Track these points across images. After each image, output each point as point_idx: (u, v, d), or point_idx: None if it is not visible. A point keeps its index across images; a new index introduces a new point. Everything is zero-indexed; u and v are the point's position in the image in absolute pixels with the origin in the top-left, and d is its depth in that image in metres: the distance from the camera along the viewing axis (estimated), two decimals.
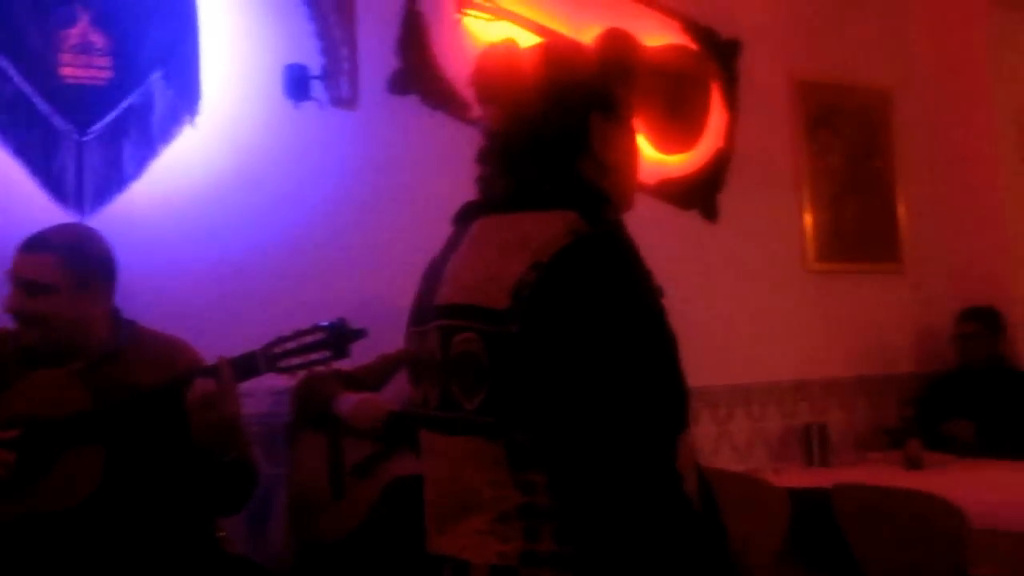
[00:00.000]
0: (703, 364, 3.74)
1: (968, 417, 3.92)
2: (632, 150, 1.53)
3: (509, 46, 1.52)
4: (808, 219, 4.26)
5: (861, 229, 4.40)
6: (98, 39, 2.86)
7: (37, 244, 2.30)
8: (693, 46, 3.98)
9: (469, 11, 3.42)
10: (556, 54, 1.52)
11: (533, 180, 1.43)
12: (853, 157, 4.42)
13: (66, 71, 2.83)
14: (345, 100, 3.16)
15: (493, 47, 1.54)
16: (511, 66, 1.47)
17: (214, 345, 2.30)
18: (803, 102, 4.32)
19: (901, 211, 4.52)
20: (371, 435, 2.55)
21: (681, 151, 3.90)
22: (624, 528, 1.26)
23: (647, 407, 1.28)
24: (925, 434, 3.71)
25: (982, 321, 4.21)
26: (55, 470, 2.13)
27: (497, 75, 1.47)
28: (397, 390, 2.61)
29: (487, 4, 3.43)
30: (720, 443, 3.88)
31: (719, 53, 4.06)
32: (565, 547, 1.29)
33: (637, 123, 1.56)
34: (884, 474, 3.51)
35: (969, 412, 3.95)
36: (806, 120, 4.32)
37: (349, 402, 2.57)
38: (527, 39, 3.49)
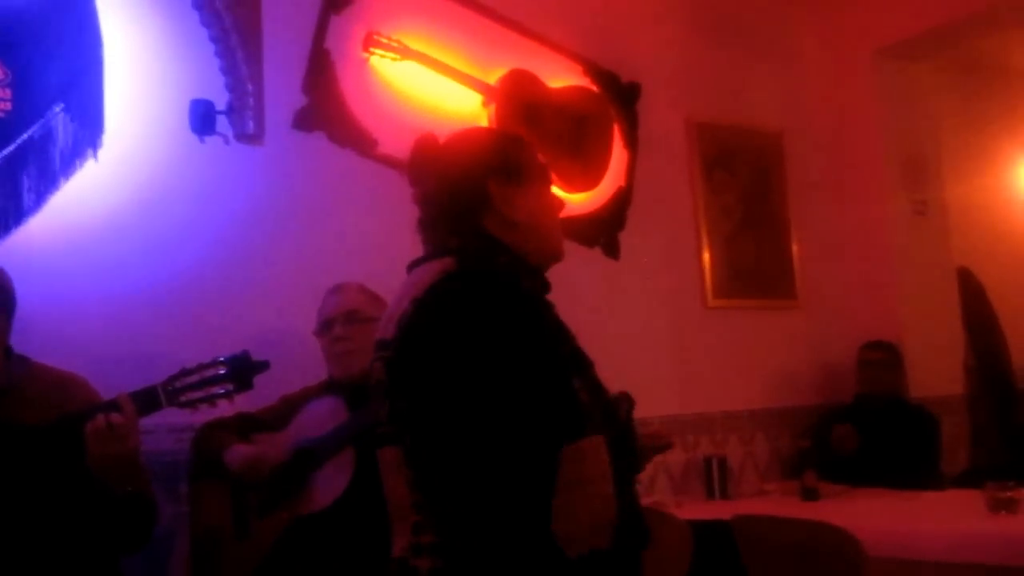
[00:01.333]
0: None
1: (864, 448, 4.05)
2: (541, 206, 1.80)
3: (428, 137, 1.80)
4: (706, 256, 4.38)
5: (757, 266, 4.54)
6: None
7: None
8: (595, 88, 4.08)
9: (376, 50, 3.44)
10: (458, 137, 1.82)
11: (443, 239, 1.72)
12: (748, 197, 4.57)
13: None
14: (251, 136, 3.15)
15: (418, 139, 1.81)
16: (426, 153, 1.78)
17: (114, 381, 2.26)
18: (700, 143, 4.45)
19: (795, 249, 4.68)
20: (262, 486, 2.53)
21: (584, 189, 3.97)
22: (474, 528, 1.51)
23: (493, 422, 1.51)
24: (821, 465, 3.82)
25: (887, 351, 4.37)
26: None
27: (417, 161, 1.78)
28: (297, 429, 2.61)
29: (393, 44, 3.46)
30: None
31: (620, 95, 4.17)
32: (441, 538, 1.55)
33: (550, 181, 1.84)
34: (782, 505, 3.60)
35: (867, 442, 4.08)
36: (703, 160, 4.45)
37: (237, 456, 2.52)
38: (433, 78, 3.57)
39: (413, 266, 1.74)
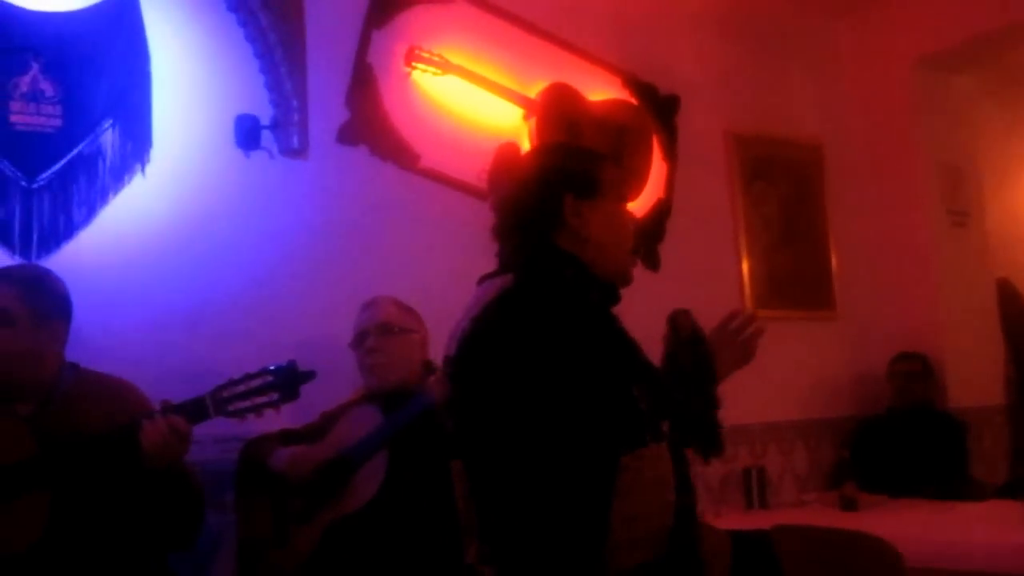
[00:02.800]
0: None
1: (899, 457, 4.03)
2: (613, 225, 1.83)
3: (511, 145, 1.87)
4: (745, 267, 4.38)
5: (796, 277, 4.54)
6: (49, 87, 2.88)
7: None
8: (634, 101, 4.10)
9: (417, 65, 3.48)
10: (539, 148, 1.97)
11: (511, 254, 1.77)
12: (787, 207, 4.57)
13: (16, 118, 2.82)
14: (295, 150, 3.20)
15: (500, 146, 1.88)
16: (506, 160, 1.83)
17: (163, 392, 2.31)
18: (739, 154, 4.46)
19: (834, 260, 4.67)
20: (304, 486, 2.58)
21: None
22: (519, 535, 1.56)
23: (546, 433, 1.54)
24: (859, 475, 3.81)
25: (917, 362, 4.35)
26: (5, 515, 2.11)
27: (496, 168, 1.83)
28: (336, 438, 2.65)
29: (435, 58, 3.50)
30: None
31: (659, 107, 4.18)
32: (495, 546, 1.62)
33: (626, 200, 1.92)
34: (822, 515, 3.59)
35: (900, 453, 4.06)
36: (742, 172, 4.45)
37: (282, 457, 2.60)
38: (474, 92, 3.60)
39: (481, 281, 1.79)
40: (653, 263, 4.07)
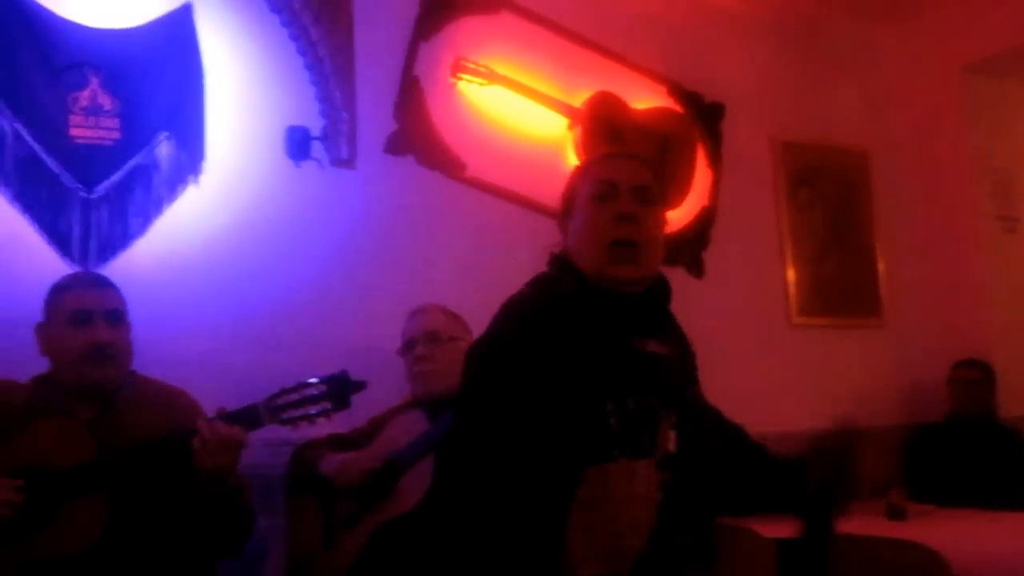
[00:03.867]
0: None
1: (956, 466, 3.98)
2: (585, 225, 1.87)
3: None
4: (791, 275, 4.36)
5: (842, 284, 4.51)
6: (107, 101, 2.96)
7: (99, 280, 2.48)
8: (679, 109, 4.11)
9: (463, 75, 3.53)
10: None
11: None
12: (833, 215, 4.54)
13: (76, 131, 2.92)
14: (344, 160, 3.26)
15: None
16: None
17: (215, 398, 2.37)
18: (784, 162, 4.44)
19: (881, 267, 4.64)
20: (352, 491, 2.62)
21: (668, 209, 4.00)
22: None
23: (513, 437, 1.66)
24: (913, 484, 3.77)
25: (981, 370, 4.30)
26: (60, 518, 2.17)
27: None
28: (383, 445, 2.70)
29: (481, 69, 3.55)
30: None
31: (704, 115, 4.19)
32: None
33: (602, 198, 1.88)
34: (868, 523, 3.56)
35: (958, 462, 4.01)
36: (787, 179, 4.44)
37: (332, 462, 2.65)
38: (519, 102, 3.64)
39: None
40: (697, 270, 4.08)
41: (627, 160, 1.98)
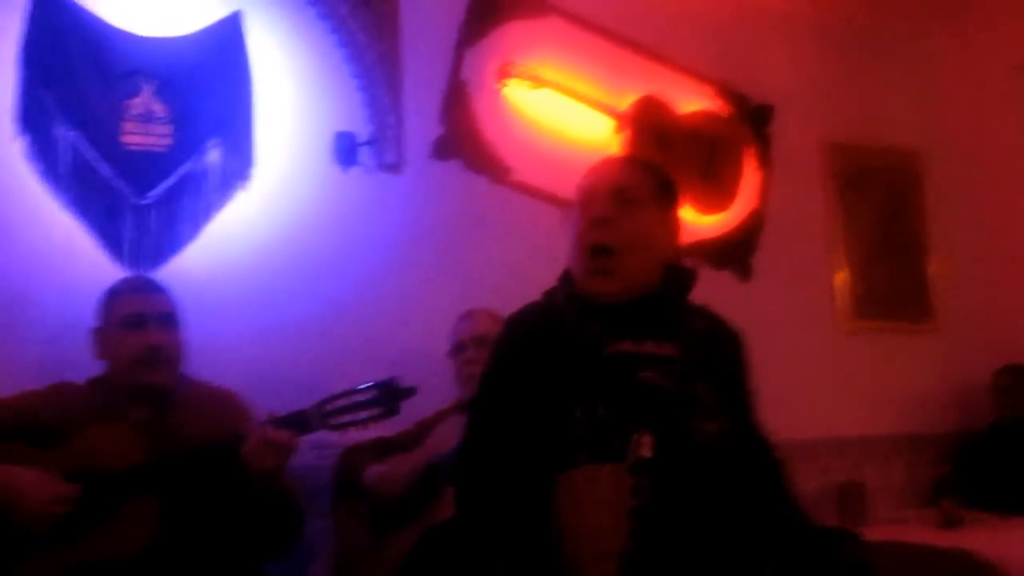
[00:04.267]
0: None
1: (1005, 473, 3.91)
2: (569, 240, 1.87)
3: None
4: (841, 278, 4.31)
5: (894, 288, 4.45)
6: (159, 108, 3.01)
7: (152, 284, 2.54)
8: (726, 111, 4.08)
9: (510, 80, 3.54)
10: None
11: None
12: (884, 217, 4.48)
13: (129, 139, 2.97)
14: (391, 165, 3.28)
15: None
16: None
17: (264, 401, 2.40)
18: (834, 164, 4.40)
19: (933, 270, 4.56)
20: (396, 501, 2.64)
21: (716, 212, 3.98)
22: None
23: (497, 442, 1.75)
24: (964, 491, 3.71)
25: (1018, 374, 4.22)
26: (114, 520, 2.21)
27: None
28: (430, 448, 2.71)
29: (527, 73, 3.55)
30: None
31: (752, 117, 4.16)
32: None
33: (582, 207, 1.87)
34: (921, 532, 3.51)
35: (1006, 469, 3.95)
36: (837, 181, 4.39)
37: (373, 474, 2.67)
38: (565, 106, 3.64)
39: None
40: (745, 273, 4.05)
41: (609, 164, 1.96)
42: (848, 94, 4.48)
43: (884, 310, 4.41)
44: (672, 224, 1.91)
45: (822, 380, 4.15)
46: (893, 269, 4.46)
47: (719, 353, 1.86)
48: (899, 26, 4.66)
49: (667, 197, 1.90)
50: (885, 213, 4.49)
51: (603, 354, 1.75)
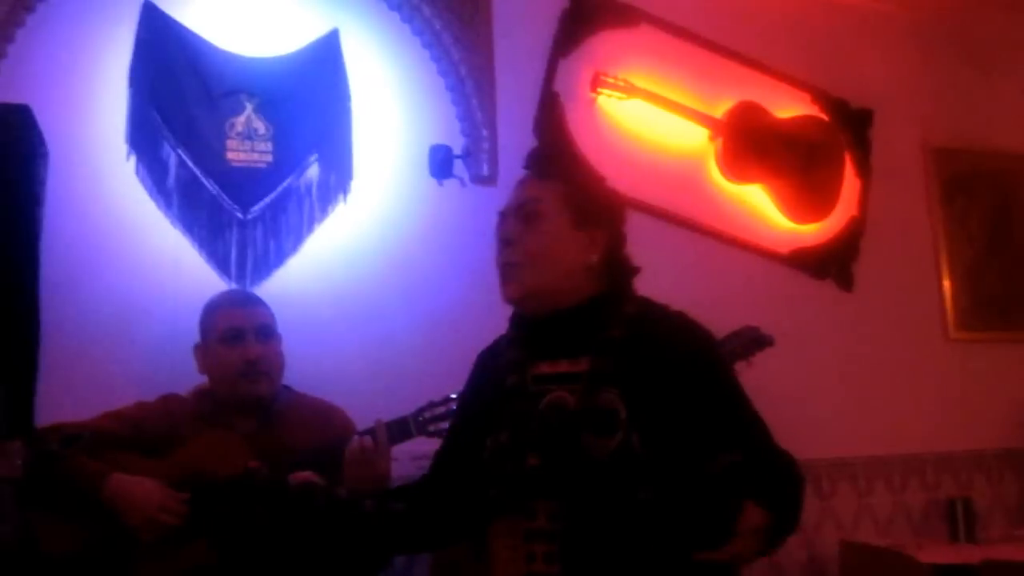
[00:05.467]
0: (841, 435, 3.72)
1: None
2: None
3: None
4: (947, 286, 4.18)
5: (1003, 296, 4.30)
6: (261, 126, 3.09)
7: (248, 297, 2.66)
8: (824, 116, 4.01)
9: (603, 90, 3.54)
10: None
11: None
12: (991, 223, 4.34)
13: (232, 155, 3.05)
14: (485, 177, 3.31)
15: None
16: None
17: (366, 413, 2.43)
18: (938, 168, 4.28)
19: None
20: None
21: (814, 220, 3.91)
22: None
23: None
24: None
25: None
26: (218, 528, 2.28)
27: None
28: None
29: (620, 83, 3.54)
30: (861, 516, 3.81)
31: (851, 122, 4.08)
32: None
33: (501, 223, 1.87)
34: None
35: None
36: (942, 186, 4.27)
37: None
38: (659, 115, 3.62)
39: None
40: (846, 283, 3.96)
41: (519, 184, 1.91)
42: (951, 96, 4.35)
43: (992, 319, 4.27)
44: (589, 234, 1.82)
45: (928, 392, 4.03)
46: (1001, 277, 4.31)
47: (646, 358, 1.72)
48: (1005, 24, 4.50)
49: (577, 208, 1.83)
50: (992, 218, 4.35)
51: (524, 378, 1.76)
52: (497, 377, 1.81)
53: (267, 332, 2.53)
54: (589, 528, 1.63)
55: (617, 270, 1.85)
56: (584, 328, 1.76)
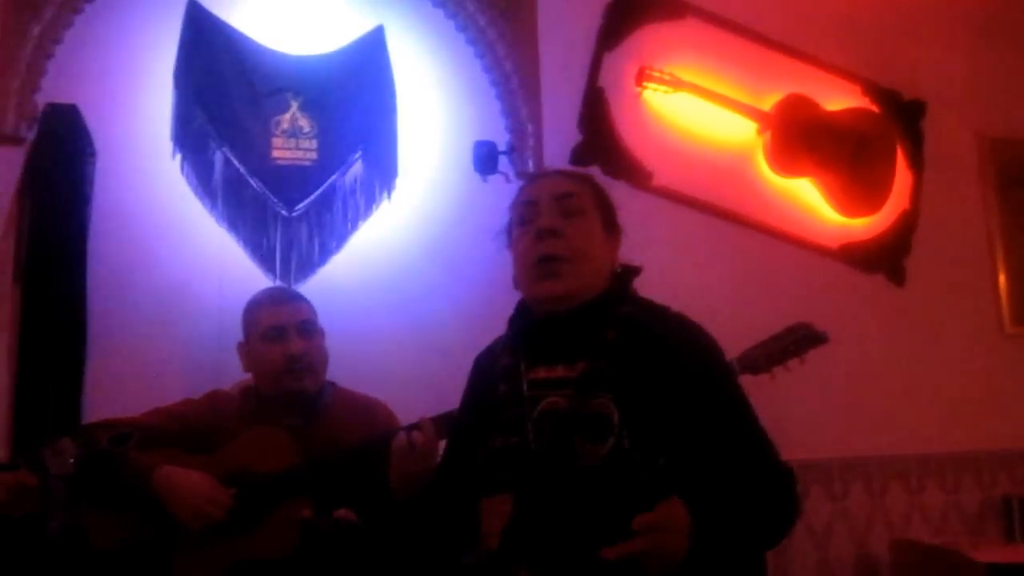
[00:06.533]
0: (892, 432, 3.66)
1: None
2: (515, 253, 1.89)
3: None
4: (1002, 280, 4.08)
5: None
6: (306, 124, 3.10)
7: (289, 294, 2.67)
8: (875, 108, 3.93)
9: (648, 84, 3.49)
10: None
11: None
12: None
13: (277, 153, 3.07)
14: (530, 173, 3.28)
15: None
16: None
17: (411, 409, 2.42)
18: (994, 160, 4.17)
19: None
20: None
21: (865, 214, 3.84)
22: None
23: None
24: None
25: None
26: (269, 521, 2.29)
27: None
28: None
29: (665, 76, 3.50)
30: (912, 514, 3.73)
31: (903, 114, 3.99)
32: None
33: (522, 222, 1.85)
34: None
35: None
36: (997, 178, 4.17)
37: None
38: (705, 109, 3.57)
39: None
40: (898, 278, 3.89)
41: (548, 176, 1.89)
42: (1006, 86, 4.24)
43: None
44: (611, 235, 1.84)
45: (982, 388, 3.94)
46: None
47: (640, 359, 1.68)
48: None
49: (605, 208, 1.84)
50: None
51: (518, 386, 1.73)
52: (493, 383, 1.77)
53: (309, 328, 2.53)
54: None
55: (623, 272, 1.85)
56: (582, 331, 1.72)
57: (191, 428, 2.47)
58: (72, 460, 2.27)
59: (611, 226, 1.84)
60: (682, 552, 1.46)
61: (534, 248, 1.77)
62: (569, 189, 1.82)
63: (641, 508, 1.46)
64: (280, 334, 2.49)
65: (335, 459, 2.32)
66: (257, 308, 2.57)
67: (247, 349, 2.57)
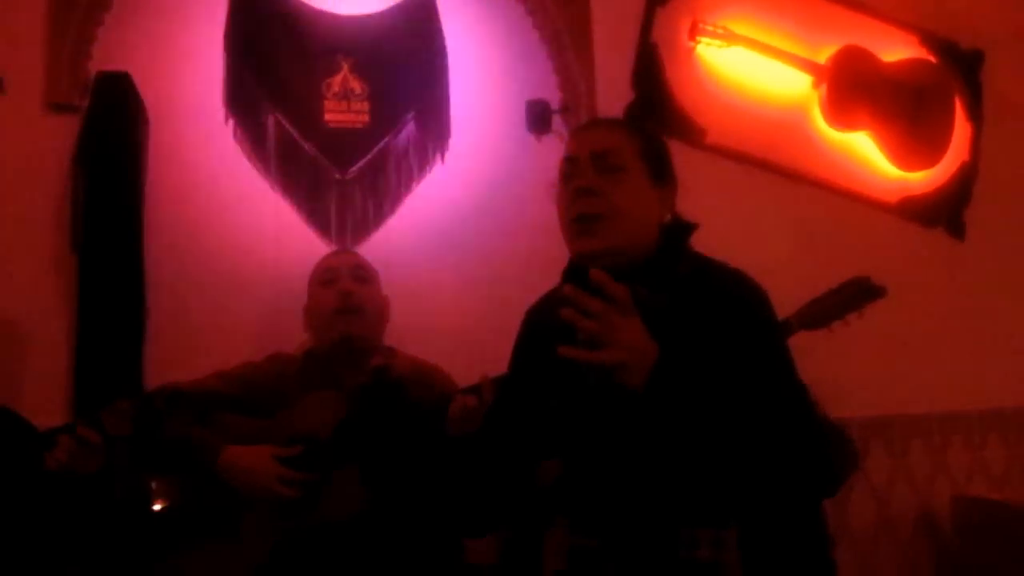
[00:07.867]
0: (953, 388, 3.60)
1: None
2: (559, 217, 1.83)
3: None
4: None
5: None
6: (358, 85, 3.08)
7: (347, 249, 2.83)
8: (932, 59, 3.84)
9: (701, 39, 3.43)
10: None
11: None
12: None
13: (329, 116, 3.05)
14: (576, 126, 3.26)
15: None
16: None
17: (467, 366, 2.42)
18: None
19: None
20: None
21: (924, 167, 3.76)
22: None
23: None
24: None
25: None
26: (333, 483, 2.30)
27: None
28: None
29: (719, 31, 3.44)
30: (974, 471, 3.68)
31: (961, 65, 3.90)
32: None
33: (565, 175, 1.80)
34: None
35: None
36: None
37: None
38: (760, 63, 3.51)
39: None
40: (958, 231, 3.81)
41: (590, 131, 1.84)
42: None
43: None
44: (664, 190, 1.78)
45: None
46: None
47: (694, 317, 1.65)
48: None
49: (654, 159, 1.77)
50: None
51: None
52: (548, 340, 1.68)
53: (360, 271, 2.60)
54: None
55: (678, 228, 1.80)
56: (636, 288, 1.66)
57: (252, 391, 2.49)
58: (129, 421, 2.30)
59: (661, 176, 1.79)
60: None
61: (573, 207, 1.75)
62: (609, 145, 1.76)
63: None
64: (333, 276, 2.58)
65: (389, 422, 2.32)
66: (318, 263, 2.67)
67: (307, 306, 2.61)
